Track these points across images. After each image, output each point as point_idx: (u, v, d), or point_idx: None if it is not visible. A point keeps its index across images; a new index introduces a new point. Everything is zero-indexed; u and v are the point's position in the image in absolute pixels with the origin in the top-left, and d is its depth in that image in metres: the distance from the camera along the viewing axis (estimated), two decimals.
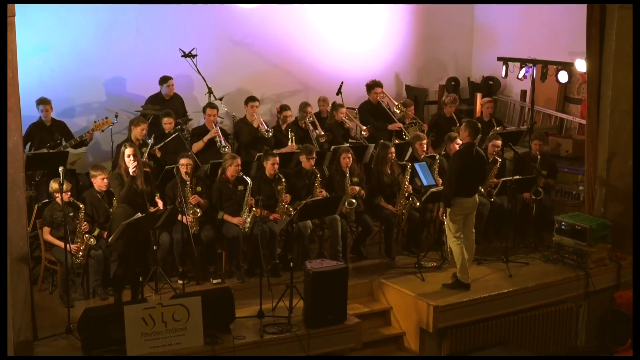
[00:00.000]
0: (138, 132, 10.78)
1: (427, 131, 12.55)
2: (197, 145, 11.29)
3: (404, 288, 9.81)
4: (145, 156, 10.56)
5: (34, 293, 8.71)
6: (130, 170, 9.10)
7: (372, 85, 12.92)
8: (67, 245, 8.67)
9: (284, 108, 12.18)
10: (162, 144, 11.12)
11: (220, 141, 11.22)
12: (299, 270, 9.31)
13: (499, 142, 11.36)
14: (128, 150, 9.26)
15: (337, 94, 13.56)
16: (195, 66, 12.51)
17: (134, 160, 9.21)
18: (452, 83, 15.69)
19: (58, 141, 11.17)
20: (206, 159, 10.98)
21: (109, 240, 8.87)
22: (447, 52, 16.05)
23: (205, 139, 11.31)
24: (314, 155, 10.54)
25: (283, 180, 10.24)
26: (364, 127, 12.38)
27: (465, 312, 9.63)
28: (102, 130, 11.38)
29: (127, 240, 8.91)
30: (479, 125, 9.92)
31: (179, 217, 9.48)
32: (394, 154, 10.87)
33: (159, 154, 11.08)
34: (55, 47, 12.35)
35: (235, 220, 9.95)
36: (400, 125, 12.64)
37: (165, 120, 11.18)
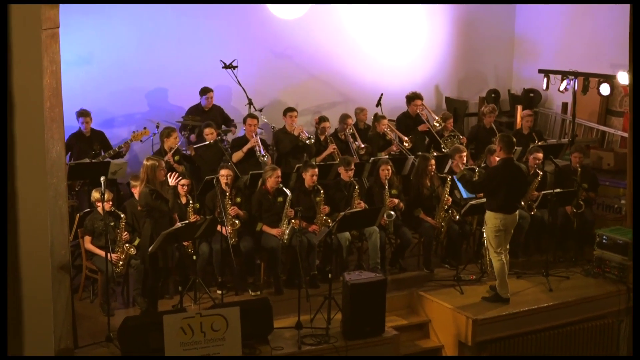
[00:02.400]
0: (172, 141, 10.87)
1: (466, 143, 12.49)
2: (237, 155, 11.33)
3: (442, 301, 9.76)
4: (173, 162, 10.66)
5: (75, 302, 8.79)
6: (173, 182, 9.05)
7: (413, 97, 12.90)
8: (108, 255, 8.74)
9: (322, 119, 12.19)
10: (199, 145, 11.28)
11: (260, 150, 11.26)
12: (337, 282, 9.31)
13: (540, 155, 11.30)
14: (163, 163, 9.17)
15: (377, 105, 13.57)
16: (236, 77, 12.58)
17: (170, 173, 9.18)
18: (493, 95, 15.61)
19: (96, 152, 11.27)
20: (245, 170, 11.01)
21: (149, 249, 8.90)
22: (487, 64, 15.99)
23: (245, 148, 11.34)
24: (353, 167, 10.54)
25: (322, 191, 10.24)
26: (406, 138, 12.36)
27: (504, 326, 9.56)
28: (142, 141, 11.49)
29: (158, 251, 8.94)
30: (514, 138, 9.80)
31: (218, 227, 9.52)
32: (434, 166, 10.84)
33: (192, 152, 11.23)
34: (97, 59, 12.50)
35: (274, 231, 9.97)
36: (429, 126, 12.60)
37: (207, 131, 11.25)
